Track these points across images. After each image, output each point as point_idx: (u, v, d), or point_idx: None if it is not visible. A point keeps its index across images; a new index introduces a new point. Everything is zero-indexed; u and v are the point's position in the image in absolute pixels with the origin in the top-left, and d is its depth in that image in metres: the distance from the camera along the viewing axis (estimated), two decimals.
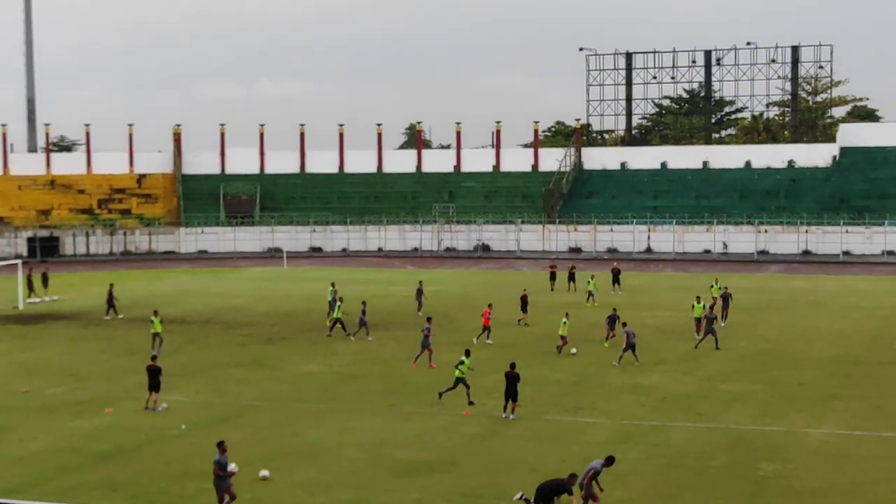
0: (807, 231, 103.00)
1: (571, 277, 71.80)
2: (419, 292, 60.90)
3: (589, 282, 64.67)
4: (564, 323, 46.75)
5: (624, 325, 45.23)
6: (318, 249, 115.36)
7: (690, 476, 27.63)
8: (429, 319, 46.67)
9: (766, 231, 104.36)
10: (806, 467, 28.30)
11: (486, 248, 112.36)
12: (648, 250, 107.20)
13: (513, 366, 34.54)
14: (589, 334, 50.96)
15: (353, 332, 51.44)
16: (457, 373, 36.48)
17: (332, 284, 60.33)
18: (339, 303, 53.70)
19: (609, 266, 77.75)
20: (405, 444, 31.03)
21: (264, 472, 27.69)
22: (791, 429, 32.56)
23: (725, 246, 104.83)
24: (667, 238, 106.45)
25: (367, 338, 50.90)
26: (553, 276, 72.95)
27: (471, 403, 35.86)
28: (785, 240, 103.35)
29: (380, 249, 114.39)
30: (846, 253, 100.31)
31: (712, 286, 60.63)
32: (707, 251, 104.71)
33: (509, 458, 29.40)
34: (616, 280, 70.79)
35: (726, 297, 55.90)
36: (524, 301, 56.51)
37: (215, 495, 24.78)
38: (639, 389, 38.60)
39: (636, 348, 43.68)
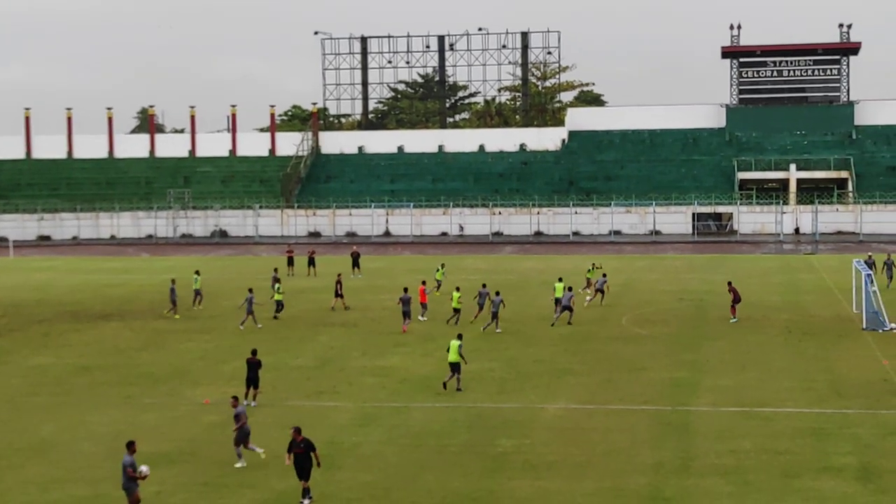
0: (538, 213, 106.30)
1: (311, 262, 71.64)
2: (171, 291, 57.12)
3: (438, 269, 62.61)
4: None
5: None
6: (47, 238, 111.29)
7: (431, 455, 28.01)
8: (405, 290, 48.94)
9: (499, 213, 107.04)
10: (542, 442, 29.12)
11: (223, 233, 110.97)
12: (387, 233, 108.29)
13: (254, 352, 34.19)
14: (334, 318, 51.07)
15: (242, 320, 49.67)
16: (453, 357, 35.34)
17: (197, 272, 57.86)
18: (278, 284, 53.02)
19: (349, 250, 77.96)
20: (143, 436, 30.16)
21: None
22: (527, 405, 33.44)
23: (461, 228, 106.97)
24: (405, 221, 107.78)
25: (256, 325, 49.29)
26: (291, 261, 72.66)
27: (458, 390, 35.16)
28: (518, 221, 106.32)
29: (113, 237, 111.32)
30: (576, 233, 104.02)
31: (590, 270, 60.82)
32: (444, 233, 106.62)
33: None
34: (356, 264, 71.03)
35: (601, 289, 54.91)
36: (339, 285, 55.76)
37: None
38: (379, 372, 38.89)
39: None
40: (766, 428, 30.12)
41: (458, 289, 50.91)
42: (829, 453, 27.56)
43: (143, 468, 23.51)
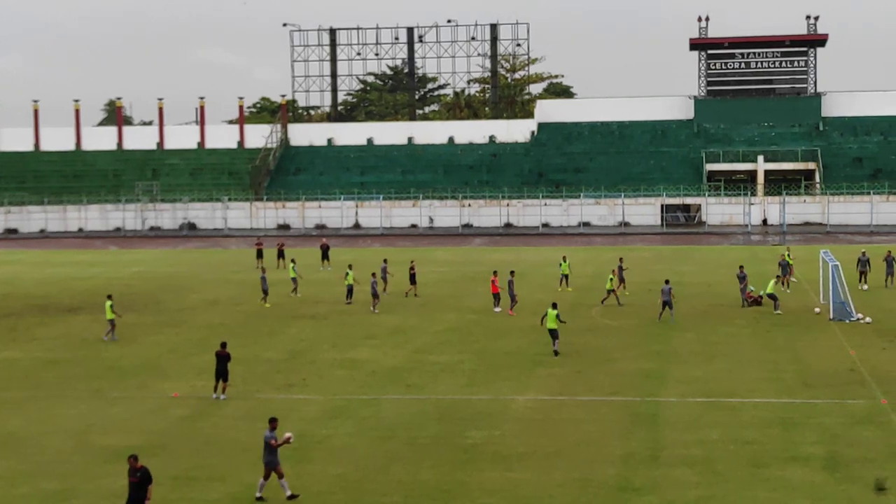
0: (508, 204, 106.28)
1: (280, 254, 71.46)
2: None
3: (561, 264, 59.54)
4: (611, 279, 52.68)
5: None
6: (14, 231, 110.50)
7: (401, 447, 28.05)
8: (512, 273, 52.31)
9: (469, 205, 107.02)
10: (512, 433, 29.20)
11: (192, 226, 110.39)
12: (357, 226, 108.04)
13: (223, 345, 34.12)
14: (304, 310, 50.95)
15: (374, 304, 51.67)
16: (551, 324, 39.50)
17: (293, 261, 60.15)
18: (349, 272, 54.88)
19: (318, 242, 77.76)
20: (112, 430, 30.15)
21: None
22: (497, 396, 33.52)
23: (431, 220, 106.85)
24: (374, 213, 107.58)
25: (373, 310, 51.22)
26: (260, 254, 72.44)
27: (555, 353, 39.36)
28: (488, 213, 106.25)
29: (80, 230, 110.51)
30: (545, 225, 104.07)
31: (784, 255, 60.37)
32: (414, 225, 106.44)
33: (221, 439, 29.03)
34: (325, 256, 70.93)
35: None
36: (412, 273, 57.25)
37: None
38: (350, 364, 38.88)
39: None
40: (734, 418, 30.33)
41: (614, 271, 54.74)
42: (796, 443, 27.79)
43: (287, 434, 24.94)
